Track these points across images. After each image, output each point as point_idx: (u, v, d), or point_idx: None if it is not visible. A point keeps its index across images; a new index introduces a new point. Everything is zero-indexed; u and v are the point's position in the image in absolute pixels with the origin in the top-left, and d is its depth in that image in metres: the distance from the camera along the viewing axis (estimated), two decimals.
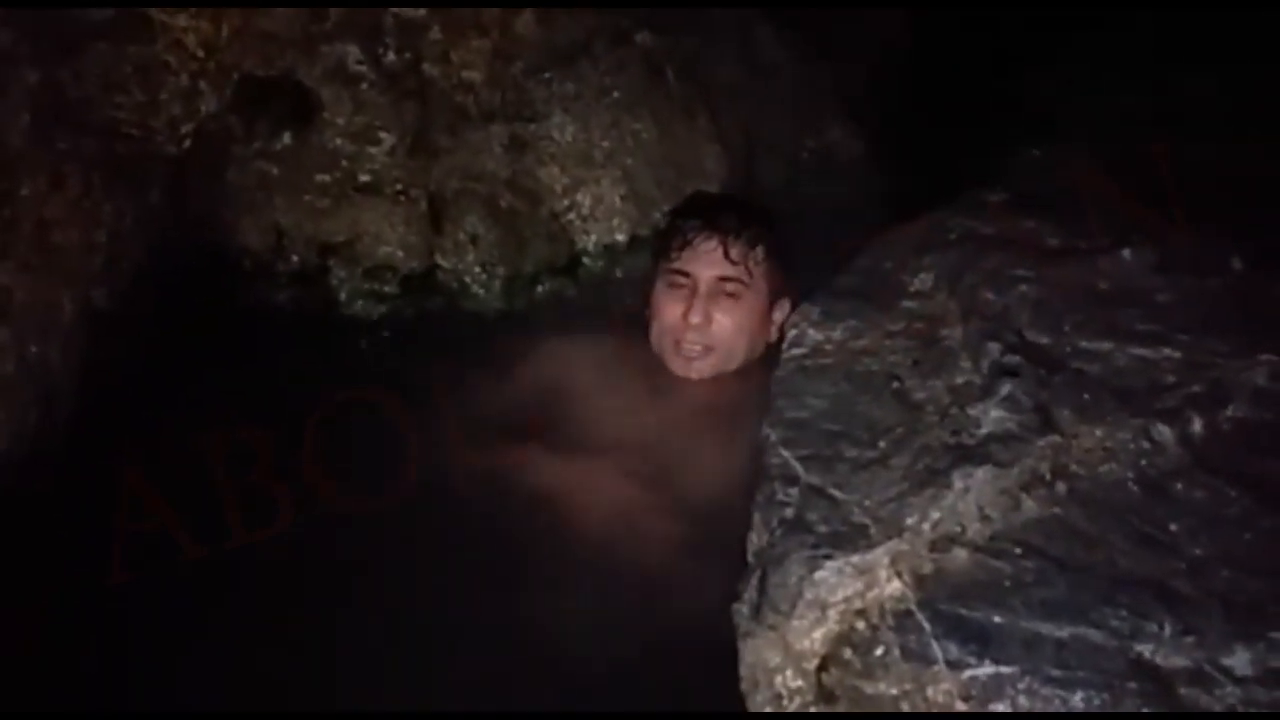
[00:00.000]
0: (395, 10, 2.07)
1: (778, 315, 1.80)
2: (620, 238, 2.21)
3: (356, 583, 1.49)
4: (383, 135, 2.06)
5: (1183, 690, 0.99)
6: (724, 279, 1.75)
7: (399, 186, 2.10)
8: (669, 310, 1.76)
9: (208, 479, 1.55)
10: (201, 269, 2.04)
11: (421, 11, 2.08)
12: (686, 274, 1.76)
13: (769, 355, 1.74)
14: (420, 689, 1.35)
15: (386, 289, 2.11)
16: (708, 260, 1.75)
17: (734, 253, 1.74)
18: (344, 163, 2.06)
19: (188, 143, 1.92)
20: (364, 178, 2.08)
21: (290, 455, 1.59)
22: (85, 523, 1.56)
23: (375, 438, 1.68)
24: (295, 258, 2.09)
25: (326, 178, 2.06)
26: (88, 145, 1.75)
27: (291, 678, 1.35)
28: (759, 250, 1.76)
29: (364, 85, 2.05)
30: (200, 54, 1.90)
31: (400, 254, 2.10)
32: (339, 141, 2.05)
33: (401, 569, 1.51)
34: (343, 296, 2.10)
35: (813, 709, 1.11)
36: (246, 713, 1.32)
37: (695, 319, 1.73)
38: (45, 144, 1.68)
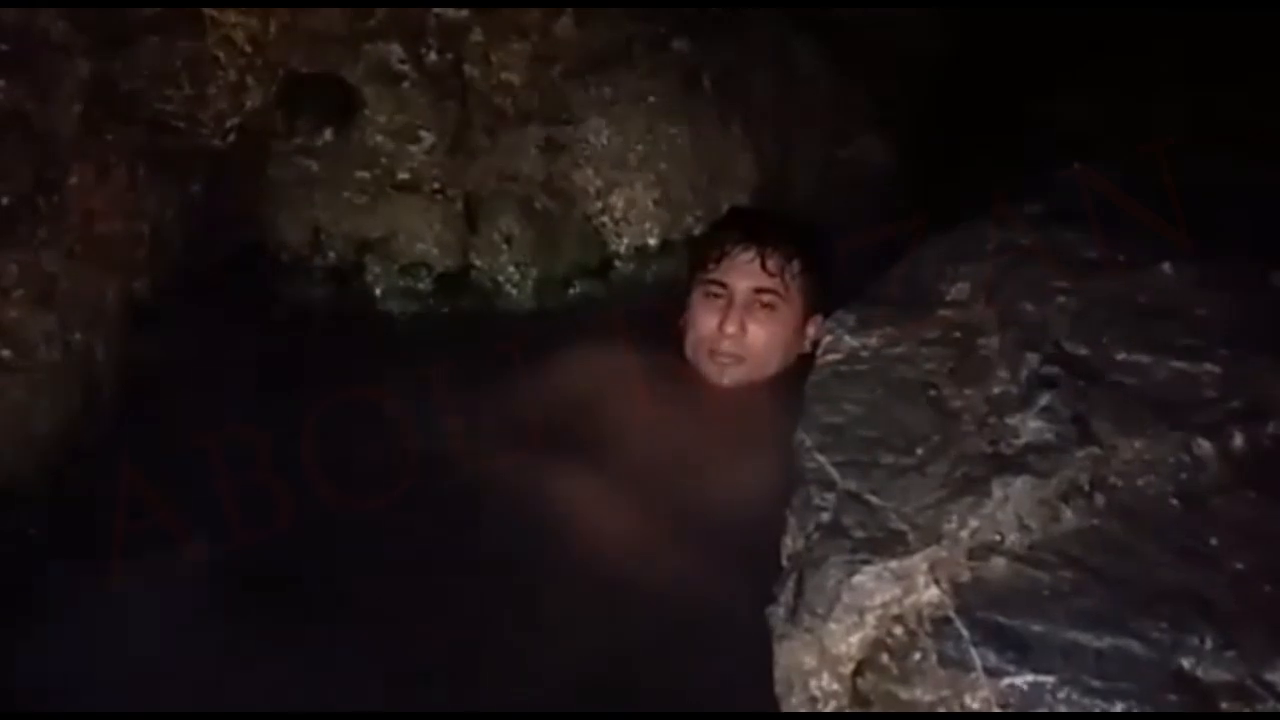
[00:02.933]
0: (438, 11, 2.09)
1: (811, 330, 1.81)
2: (652, 241, 2.22)
3: (361, 593, 1.49)
4: (423, 134, 2.08)
5: (1224, 704, 0.98)
6: (760, 290, 1.76)
7: (436, 185, 2.12)
8: (704, 320, 1.78)
9: (208, 478, 1.56)
10: (239, 263, 2.07)
11: (464, 13, 2.10)
12: (723, 285, 1.77)
13: (800, 368, 1.74)
14: (427, 696, 1.36)
15: (421, 287, 2.13)
16: (745, 271, 1.76)
17: (771, 264, 1.76)
18: (383, 160, 2.08)
19: (231, 137, 1.95)
20: (402, 176, 2.09)
21: (291, 455, 1.60)
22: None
23: (382, 441, 1.68)
24: (332, 254, 2.11)
25: (366, 175, 2.08)
26: (135, 137, 1.77)
27: (292, 677, 1.35)
28: (796, 263, 1.78)
29: (406, 84, 2.07)
30: (248, 49, 1.93)
31: (436, 252, 2.12)
32: (379, 139, 2.07)
33: (424, 580, 1.51)
34: (378, 293, 2.12)
35: (847, 714, 1.11)
36: (246, 713, 1.33)
37: (730, 329, 1.75)
38: (94, 135, 1.70)
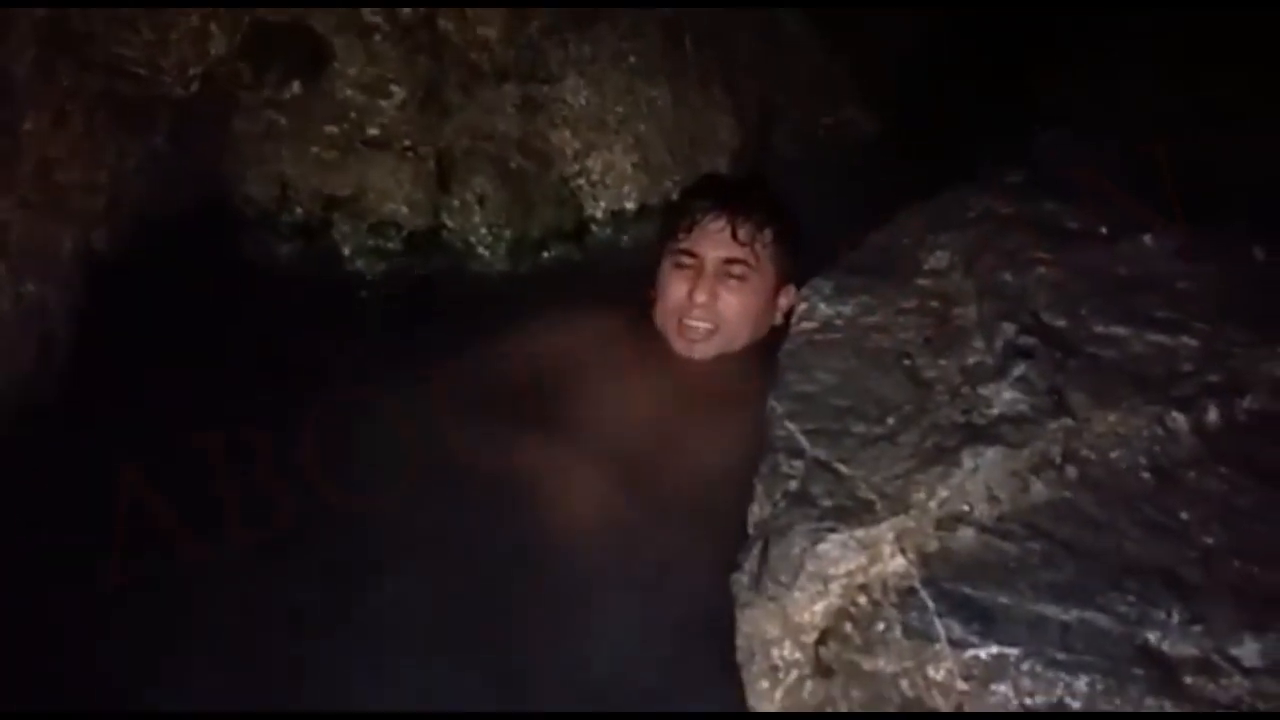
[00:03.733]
0: None
1: (783, 300, 1.78)
2: (629, 206, 2.18)
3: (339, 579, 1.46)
4: (394, 89, 2.03)
5: (1188, 679, 0.97)
6: (731, 260, 1.73)
7: (407, 142, 2.06)
8: (674, 289, 1.75)
9: (208, 478, 1.52)
10: (203, 217, 2.01)
11: None
12: (693, 254, 1.74)
13: (771, 340, 1.72)
14: (418, 689, 1.33)
15: (390, 246, 2.08)
16: (715, 241, 1.73)
17: (742, 234, 1.72)
18: (353, 115, 2.03)
19: (195, 86, 1.89)
20: (372, 131, 2.04)
21: (289, 452, 1.55)
22: (75, 477, 1.54)
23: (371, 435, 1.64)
24: (299, 210, 2.05)
25: (334, 129, 2.03)
26: (92, 83, 1.71)
27: (292, 677, 1.33)
28: (767, 233, 1.74)
29: (377, 36, 2.01)
30: None
31: (405, 211, 2.07)
32: (349, 93, 2.01)
33: (396, 565, 1.47)
34: (346, 252, 2.07)
35: (809, 683, 1.09)
36: (246, 713, 1.30)
37: (701, 298, 1.72)
38: (49, 78, 1.64)
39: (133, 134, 1.80)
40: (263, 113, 2.00)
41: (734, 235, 1.72)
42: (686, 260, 1.74)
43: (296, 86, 2.00)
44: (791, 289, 1.76)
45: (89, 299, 1.75)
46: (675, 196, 2.10)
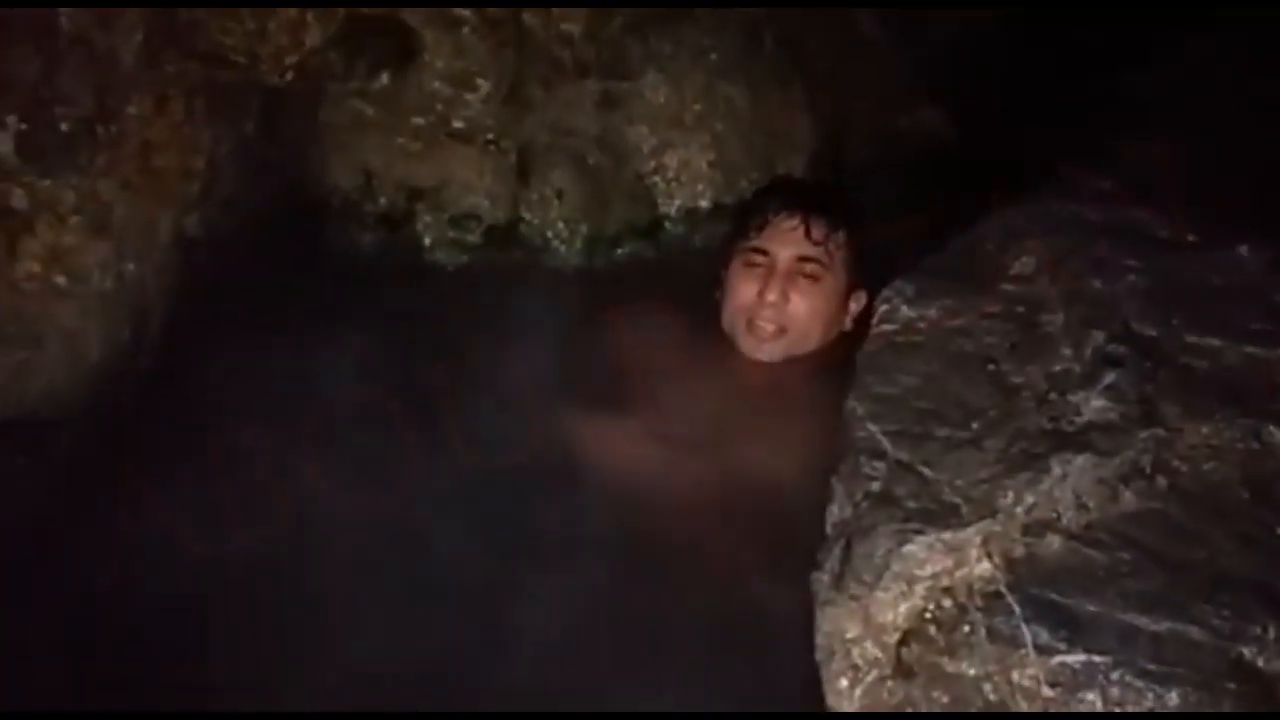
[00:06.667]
0: None
1: (853, 305, 1.76)
2: (704, 204, 2.18)
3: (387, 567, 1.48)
4: (479, 82, 2.05)
5: None
6: (804, 259, 1.71)
7: (490, 135, 2.09)
8: (744, 289, 1.72)
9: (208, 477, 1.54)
10: (290, 204, 2.06)
11: None
12: (765, 252, 1.72)
13: (841, 347, 1.71)
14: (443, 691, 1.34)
15: (470, 238, 2.11)
16: (788, 239, 1.71)
17: (815, 233, 1.70)
18: (439, 107, 2.06)
19: (289, 75, 1.93)
20: (457, 124, 2.07)
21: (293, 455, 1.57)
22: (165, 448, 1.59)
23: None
24: (383, 200, 2.09)
25: (420, 121, 2.06)
26: (193, 70, 1.76)
27: (293, 677, 1.34)
28: (840, 234, 1.72)
29: (465, 30, 2.03)
30: None
31: (486, 203, 2.10)
32: (436, 85, 2.04)
33: (451, 551, 1.49)
34: (427, 243, 2.11)
35: (889, 683, 1.10)
36: (246, 713, 1.32)
37: (771, 297, 1.69)
38: (154, 65, 1.69)
39: (228, 121, 1.85)
40: (350, 103, 2.05)
41: (807, 234, 1.70)
42: (758, 259, 1.72)
43: (385, 78, 2.03)
44: (863, 295, 1.75)
45: (182, 281, 1.80)
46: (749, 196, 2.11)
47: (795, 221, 1.71)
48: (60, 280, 1.59)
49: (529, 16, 2.09)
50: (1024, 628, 1.02)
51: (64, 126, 1.59)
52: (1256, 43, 2.33)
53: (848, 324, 1.76)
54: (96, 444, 1.61)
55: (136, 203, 1.68)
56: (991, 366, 1.32)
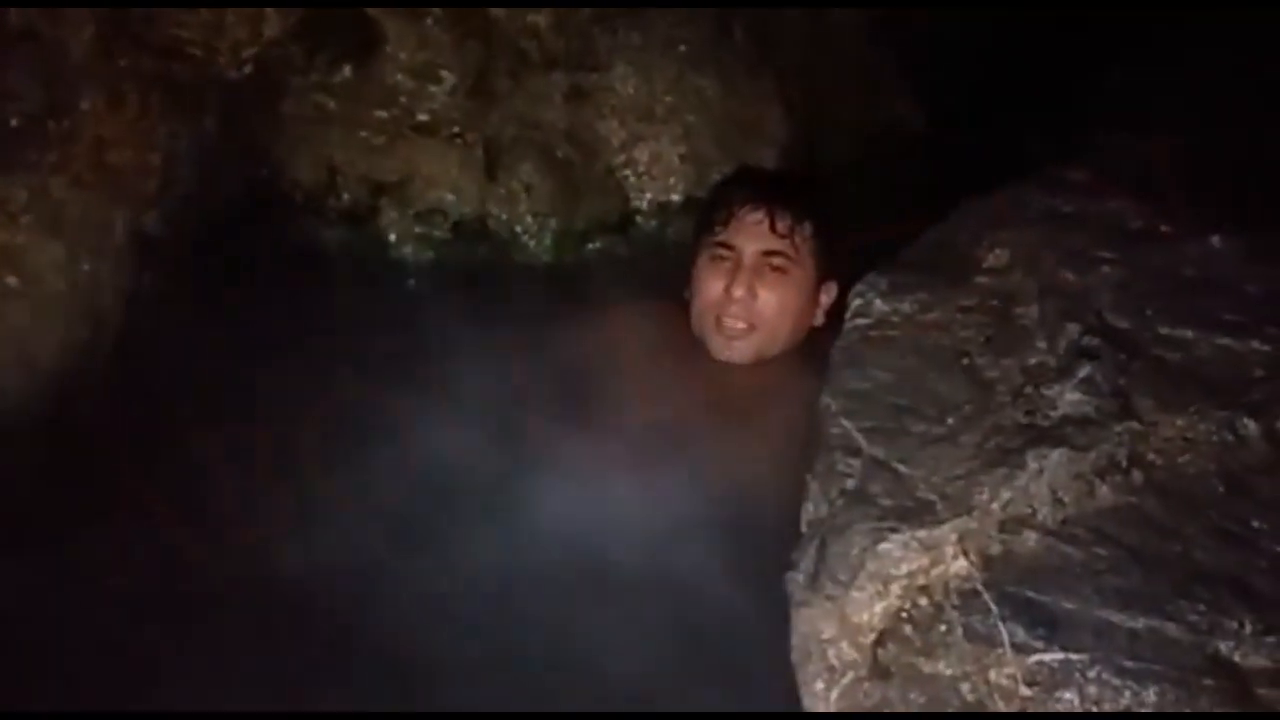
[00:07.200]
0: None
1: (824, 298, 1.73)
2: (675, 198, 2.16)
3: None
4: (444, 74, 2.03)
5: (1261, 691, 0.95)
6: (770, 253, 1.67)
7: (456, 129, 2.06)
8: (711, 285, 1.69)
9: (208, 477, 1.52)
10: (251, 200, 2.02)
11: None
12: (730, 247, 1.68)
13: (812, 341, 1.69)
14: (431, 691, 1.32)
15: (436, 233, 2.08)
16: (753, 233, 1.67)
17: (781, 225, 1.66)
18: (402, 100, 2.03)
19: (248, 69, 1.89)
20: (422, 117, 2.04)
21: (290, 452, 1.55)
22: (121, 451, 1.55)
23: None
24: (347, 195, 2.06)
25: (384, 114, 2.03)
26: (148, 63, 1.72)
27: (293, 677, 1.33)
28: (807, 226, 1.68)
29: (429, 21, 2.00)
30: None
31: (452, 198, 2.07)
32: (399, 78, 2.01)
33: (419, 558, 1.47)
34: (392, 238, 2.08)
35: (866, 684, 1.08)
36: (246, 713, 1.30)
37: (738, 292, 1.66)
38: (107, 59, 1.65)
39: (185, 116, 1.81)
40: (312, 96, 2.01)
41: (772, 227, 1.66)
42: (723, 253, 1.68)
43: (347, 70, 2.00)
44: (833, 286, 1.72)
45: (139, 280, 1.76)
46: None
47: (760, 214, 1.68)
48: (11, 281, 1.56)
49: (495, 8, 2.06)
50: (1001, 626, 1.01)
51: (13, 122, 1.55)
52: (1229, 38, 2.34)
53: (819, 318, 1.74)
54: (49, 452, 1.56)
55: (90, 201, 1.64)
56: (966, 360, 1.31)
